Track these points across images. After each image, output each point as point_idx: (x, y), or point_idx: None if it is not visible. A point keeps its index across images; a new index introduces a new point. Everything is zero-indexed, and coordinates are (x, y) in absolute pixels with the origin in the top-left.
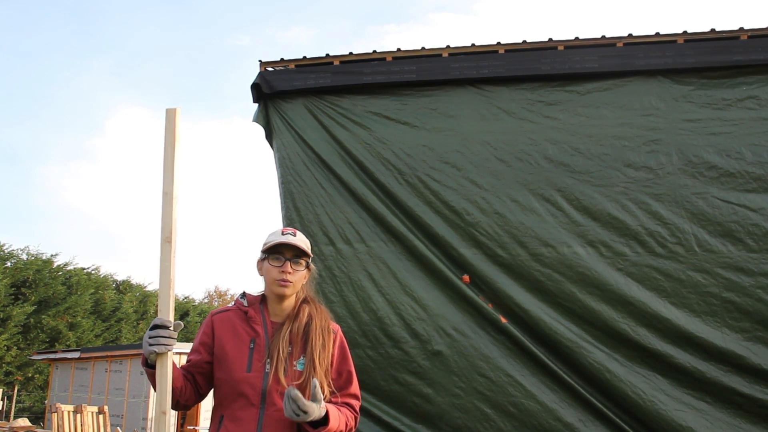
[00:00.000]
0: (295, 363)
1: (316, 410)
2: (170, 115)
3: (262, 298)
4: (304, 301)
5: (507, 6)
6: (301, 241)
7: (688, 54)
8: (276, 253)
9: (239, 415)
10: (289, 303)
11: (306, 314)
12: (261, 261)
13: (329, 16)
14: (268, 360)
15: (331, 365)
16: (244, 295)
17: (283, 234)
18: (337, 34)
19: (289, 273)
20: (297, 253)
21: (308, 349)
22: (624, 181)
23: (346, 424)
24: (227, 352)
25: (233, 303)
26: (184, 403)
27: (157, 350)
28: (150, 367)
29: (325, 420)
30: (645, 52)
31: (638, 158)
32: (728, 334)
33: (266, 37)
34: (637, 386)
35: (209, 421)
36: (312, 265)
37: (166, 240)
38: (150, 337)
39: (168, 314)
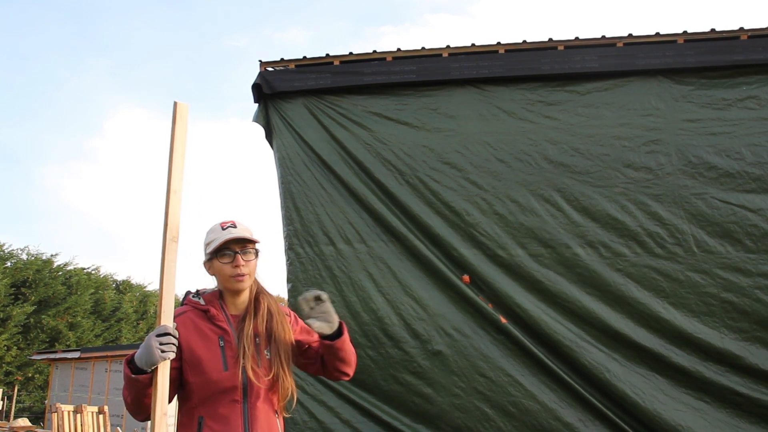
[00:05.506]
0: (266, 352)
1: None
2: (181, 110)
3: (219, 295)
4: (259, 292)
5: (503, 7)
6: (245, 230)
7: (688, 54)
8: (224, 250)
9: (223, 413)
10: (246, 295)
11: (265, 306)
12: (208, 261)
13: (326, 18)
14: (242, 355)
15: (300, 334)
16: (197, 293)
17: (224, 229)
18: (335, 36)
19: (243, 265)
20: (244, 243)
21: (272, 342)
22: (623, 181)
23: (353, 353)
24: (199, 355)
25: (183, 303)
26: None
27: (169, 357)
28: (142, 372)
29: (339, 330)
30: (645, 52)
31: (638, 158)
32: (726, 335)
33: (264, 38)
34: (636, 386)
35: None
36: (259, 251)
37: (173, 239)
38: (161, 344)
39: (171, 318)
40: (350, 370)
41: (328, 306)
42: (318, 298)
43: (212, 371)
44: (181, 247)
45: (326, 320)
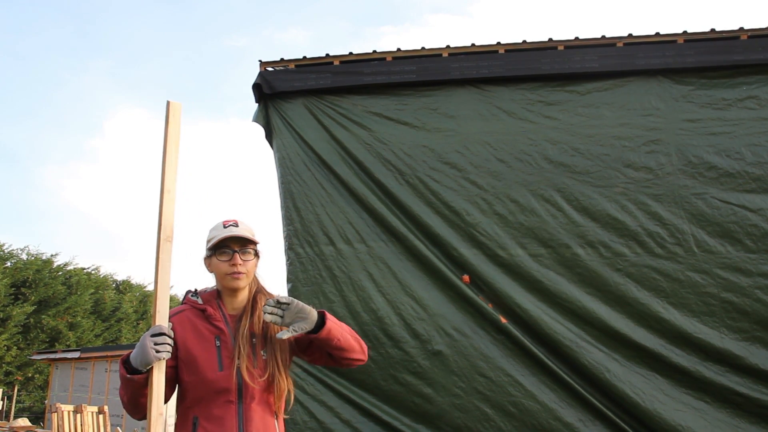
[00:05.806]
0: (262, 352)
1: (305, 305)
2: (174, 110)
3: (217, 294)
4: (258, 291)
5: (503, 7)
6: (246, 230)
7: (688, 54)
8: (222, 247)
9: (217, 414)
10: (244, 294)
11: (262, 305)
12: (208, 258)
13: (326, 18)
14: (237, 355)
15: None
16: (196, 292)
17: (225, 227)
18: (335, 36)
19: (240, 264)
20: (243, 242)
21: (269, 342)
22: (624, 181)
23: (352, 335)
24: (194, 354)
25: (183, 302)
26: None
27: (164, 357)
28: (137, 372)
29: (321, 320)
30: (645, 52)
31: (638, 158)
32: (726, 335)
33: (264, 38)
34: (636, 386)
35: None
36: (260, 252)
37: (167, 239)
38: (156, 344)
39: (166, 318)
40: (357, 354)
41: (296, 304)
42: (280, 302)
43: (207, 371)
44: (181, 247)
45: (302, 318)
